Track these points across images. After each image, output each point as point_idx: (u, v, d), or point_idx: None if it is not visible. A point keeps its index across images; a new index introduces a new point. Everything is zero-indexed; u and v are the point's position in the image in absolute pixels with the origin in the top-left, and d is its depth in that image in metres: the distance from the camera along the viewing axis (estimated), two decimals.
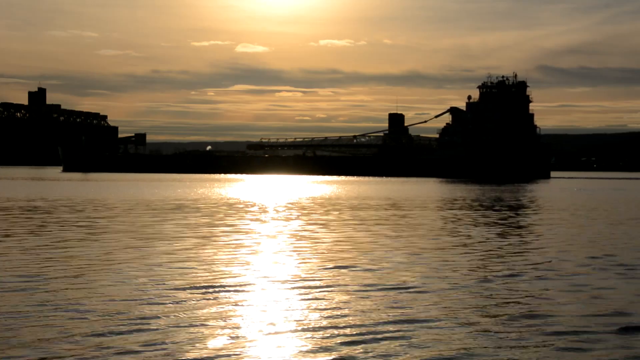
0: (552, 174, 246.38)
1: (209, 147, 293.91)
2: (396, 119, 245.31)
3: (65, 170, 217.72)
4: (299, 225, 40.01)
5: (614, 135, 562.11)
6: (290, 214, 49.00)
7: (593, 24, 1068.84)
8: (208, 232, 35.51)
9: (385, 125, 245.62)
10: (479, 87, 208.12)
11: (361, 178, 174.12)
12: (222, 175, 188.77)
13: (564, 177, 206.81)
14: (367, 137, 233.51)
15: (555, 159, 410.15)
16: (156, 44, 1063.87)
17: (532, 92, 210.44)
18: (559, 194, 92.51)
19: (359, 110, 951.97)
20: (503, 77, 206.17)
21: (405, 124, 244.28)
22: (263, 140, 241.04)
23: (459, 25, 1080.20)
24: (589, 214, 53.74)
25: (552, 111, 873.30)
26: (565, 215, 51.25)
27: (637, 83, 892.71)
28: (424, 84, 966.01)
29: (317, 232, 36.07)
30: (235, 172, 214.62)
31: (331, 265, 24.10)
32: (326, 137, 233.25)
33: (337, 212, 51.03)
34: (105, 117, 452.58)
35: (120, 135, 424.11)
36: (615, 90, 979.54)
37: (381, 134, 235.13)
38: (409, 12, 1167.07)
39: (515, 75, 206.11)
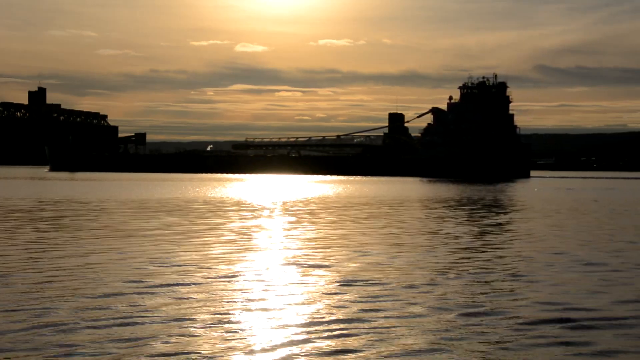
0: (544, 173, 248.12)
1: (209, 147, 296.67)
2: (396, 119, 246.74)
3: (52, 169, 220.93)
4: (279, 224, 41.51)
5: (613, 135, 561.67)
6: (272, 214, 50.27)
7: (591, 23, 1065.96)
8: (185, 230, 36.83)
9: (385, 124, 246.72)
10: (459, 87, 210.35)
11: (345, 178, 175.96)
12: (209, 175, 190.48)
13: (544, 177, 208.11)
14: (351, 136, 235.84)
15: (555, 159, 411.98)
16: (155, 44, 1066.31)
17: (512, 92, 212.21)
18: (531, 193, 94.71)
19: (358, 110, 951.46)
20: (483, 77, 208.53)
21: (395, 124, 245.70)
22: (248, 140, 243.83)
23: (458, 25, 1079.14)
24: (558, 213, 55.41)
25: (551, 111, 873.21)
26: (538, 214, 52.99)
27: (636, 83, 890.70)
28: (422, 83, 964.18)
29: (297, 230, 37.55)
30: (222, 172, 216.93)
31: (306, 263, 25.32)
32: (310, 137, 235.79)
33: (318, 211, 52.54)
34: (105, 116, 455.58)
35: (120, 135, 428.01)
36: (614, 90, 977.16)
37: (365, 134, 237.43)
38: (409, 12, 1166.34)
39: (496, 76, 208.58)
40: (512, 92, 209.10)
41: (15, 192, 78.13)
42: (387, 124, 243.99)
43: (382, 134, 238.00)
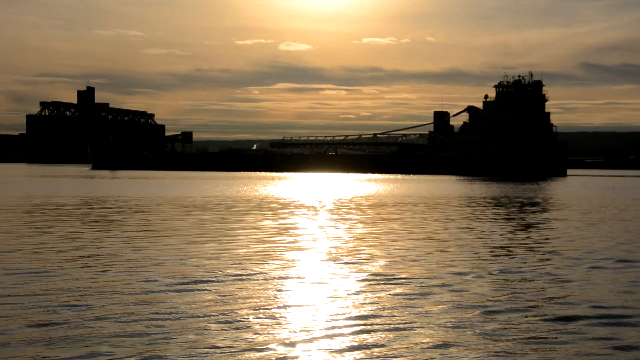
0: (581, 171, 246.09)
1: (255, 146, 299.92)
2: (441, 117, 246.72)
3: (94, 167, 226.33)
4: (315, 221, 42.63)
5: None
6: (308, 212, 51.20)
7: (634, 20, 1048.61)
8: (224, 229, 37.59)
9: (430, 122, 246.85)
10: (495, 86, 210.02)
11: (381, 176, 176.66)
12: (246, 173, 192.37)
13: (582, 175, 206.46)
14: (388, 135, 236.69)
15: (604, 157, 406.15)
16: (200, 43, 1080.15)
17: (554, 90, 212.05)
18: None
19: (402, 108, 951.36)
20: (519, 76, 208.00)
21: (439, 121, 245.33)
22: (286, 138, 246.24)
23: (500, 22, 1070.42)
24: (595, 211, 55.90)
25: (598, 109, 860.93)
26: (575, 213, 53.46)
27: None
28: (465, 81, 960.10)
29: (332, 228, 38.52)
30: (259, 170, 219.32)
31: (340, 260, 26.13)
32: (346, 136, 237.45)
33: (352, 209, 53.59)
34: (152, 115, 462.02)
35: (166, 134, 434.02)
36: None
37: (403, 132, 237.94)
38: (451, 9, 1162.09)
39: (531, 74, 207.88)
40: (548, 90, 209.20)
41: (54, 190, 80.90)
42: (432, 122, 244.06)
43: (427, 132, 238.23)
